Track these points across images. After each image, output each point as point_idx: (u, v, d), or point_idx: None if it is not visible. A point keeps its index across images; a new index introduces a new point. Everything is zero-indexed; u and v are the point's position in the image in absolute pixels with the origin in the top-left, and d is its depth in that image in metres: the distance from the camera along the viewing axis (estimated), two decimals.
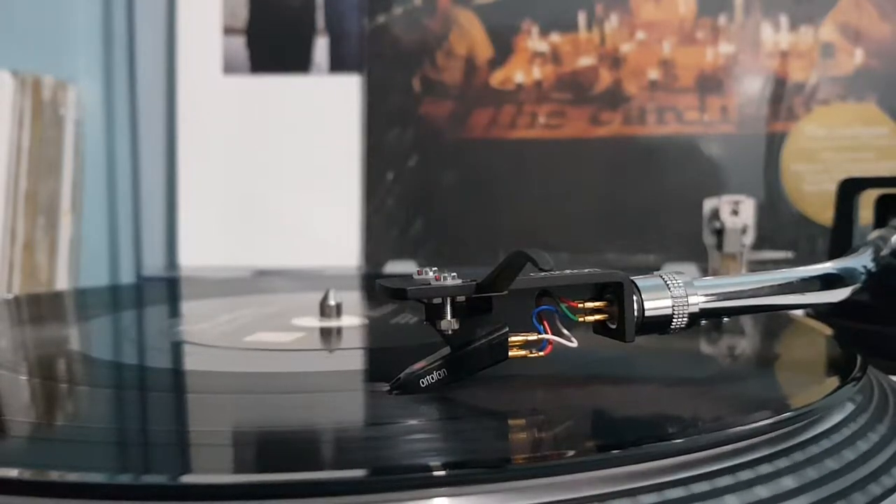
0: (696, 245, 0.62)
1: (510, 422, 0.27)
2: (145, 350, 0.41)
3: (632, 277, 0.29)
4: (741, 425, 0.25)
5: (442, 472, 0.21)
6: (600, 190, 0.71)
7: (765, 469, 0.24)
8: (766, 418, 0.25)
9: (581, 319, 0.29)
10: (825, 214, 0.66)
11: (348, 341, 0.40)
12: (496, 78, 0.73)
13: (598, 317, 0.29)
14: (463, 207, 0.73)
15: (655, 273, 0.29)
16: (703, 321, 0.30)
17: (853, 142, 0.69)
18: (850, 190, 0.47)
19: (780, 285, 0.31)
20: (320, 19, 0.75)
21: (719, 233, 0.58)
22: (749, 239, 0.58)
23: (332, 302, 0.42)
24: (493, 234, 0.72)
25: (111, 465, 0.23)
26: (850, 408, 0.29)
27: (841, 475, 0.25)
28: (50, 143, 0.71)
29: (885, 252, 0.39)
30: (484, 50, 0.73)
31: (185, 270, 0.74)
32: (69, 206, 0.73)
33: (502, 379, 0.29)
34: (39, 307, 0.53)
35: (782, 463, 0.25)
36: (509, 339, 0.28)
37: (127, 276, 0.77)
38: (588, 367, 0.32)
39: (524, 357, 0.28)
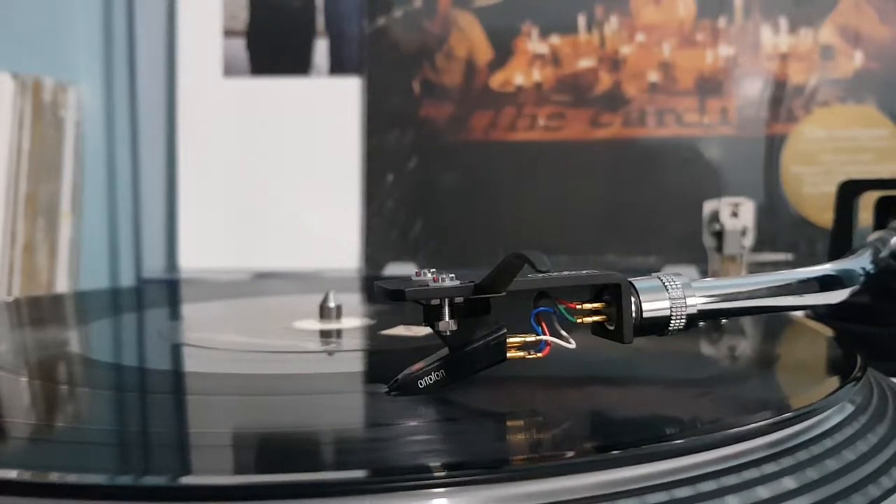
0: (696, 247, 0.62)
1: (509, 423, 0.27)
2: (145, 352, 0.41)
3: (630, 279, 0.29)
4: (741, 426, 0.25)
5: (441, 473, 0.21)
6: (600, 192, 0.71)
7: (763, 470, 0.24)
8: (766, 419, 0.25)
9: (579, 321, 0.29)
10: (825, 216, 0.66)
11: (348, 343, 0.40)
12: (496, 80, 0.73)
13: (596, 318, 0.29)
14: (463, 209, 0.73)
15: (654, 275, 0.29)
16: (702, 322, 0.30)
17: (853, 144, 0.69)
18: (849, 192, 0.47)
19: (778, 287, 0.31)
20: (320, 21, 0.75)
21: (719, 235, 0.58)
22: (749, 241, 0.58)
23: (331, 304, 0.42)
24: (493, 236, 0.72)
25: (111, 467, 0.23)
26: (849, 409, 0.29)
27: (840, 476, 0.25)
28: (50, 144, 0.71)
29: (884, 254, 0.39)
30: (484, 52, 0.73)
31: (185, 272, 0.74)
32: (69, 208, 0.73)
33: (501, 380, 0.29)
34: (39, 309, 0.53)
35: (782, 464, 0.25)
36: (507, 341, 0.28)
37: (127, 279, 0.77)
38: (586, 368, 0.32)
39: (522, 358, 0.28)
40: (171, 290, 0.66)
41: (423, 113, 0.73)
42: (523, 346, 0.28)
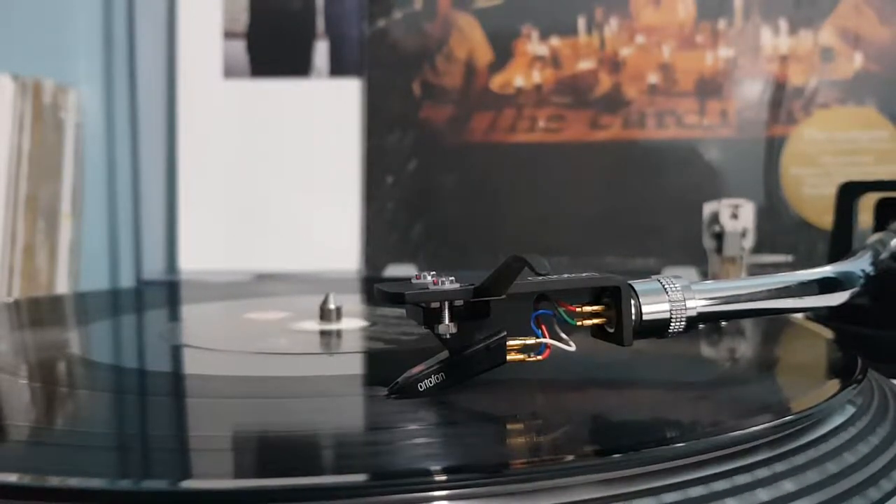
0: (696, 249, 0.62)
1: (509, 426, 0.27)
2: (145, 354, 0.41)
3: (629, 281, 0.29)
4: (741, 429, 0.25)
5: (441, 477, 0.21)
6: (600, 194, 0.71)
7: (764, 473, 0.24)
8: (767, 422, 0.25)
9: (579, 323, 0.29)
10: (825, 218, 0.66)
11: (348, 345, 0.40)
12: (496, 82, 0.73)
13: (596, 321, 0.29)
14: (463, 211, 0.73)
15: (653, 277, 0.29)
16: (702, 325, 0.30)
17: (853, 145, 0.69)
18: (849, 193, 0.47)
19: (778, 289, 0.31)
20: (320, 23, 0.75)
21: (719, 236, 0.58)
22: (749, 243, 0.58)
23: (331, 306, 0.42)
24: (492, 238, 0.72)
25: (112, 470, 0.23)
26: (850, 411, 0.29)
27: (841, 478, 0.25)
28: (50, 146, 0.71)
29: (884, 255, 0.39)
30: (484, 54, 0.73)
31: (185, 274, 0.74)
32: (69, 210, 0.73)
33: (501, 383, 0.29)
34: (39, 311, 0.53)
35: (782, 467, 0.25)
36: (507, 343, 0.28)
37: (127, 280, 0.77)
38: (586, 371, 0.32)
39: (522, 361, 0.28)
40: (171, 292, 0.66)
41: (423, 115, 0.73)
42: (523, 349, 0.28)
